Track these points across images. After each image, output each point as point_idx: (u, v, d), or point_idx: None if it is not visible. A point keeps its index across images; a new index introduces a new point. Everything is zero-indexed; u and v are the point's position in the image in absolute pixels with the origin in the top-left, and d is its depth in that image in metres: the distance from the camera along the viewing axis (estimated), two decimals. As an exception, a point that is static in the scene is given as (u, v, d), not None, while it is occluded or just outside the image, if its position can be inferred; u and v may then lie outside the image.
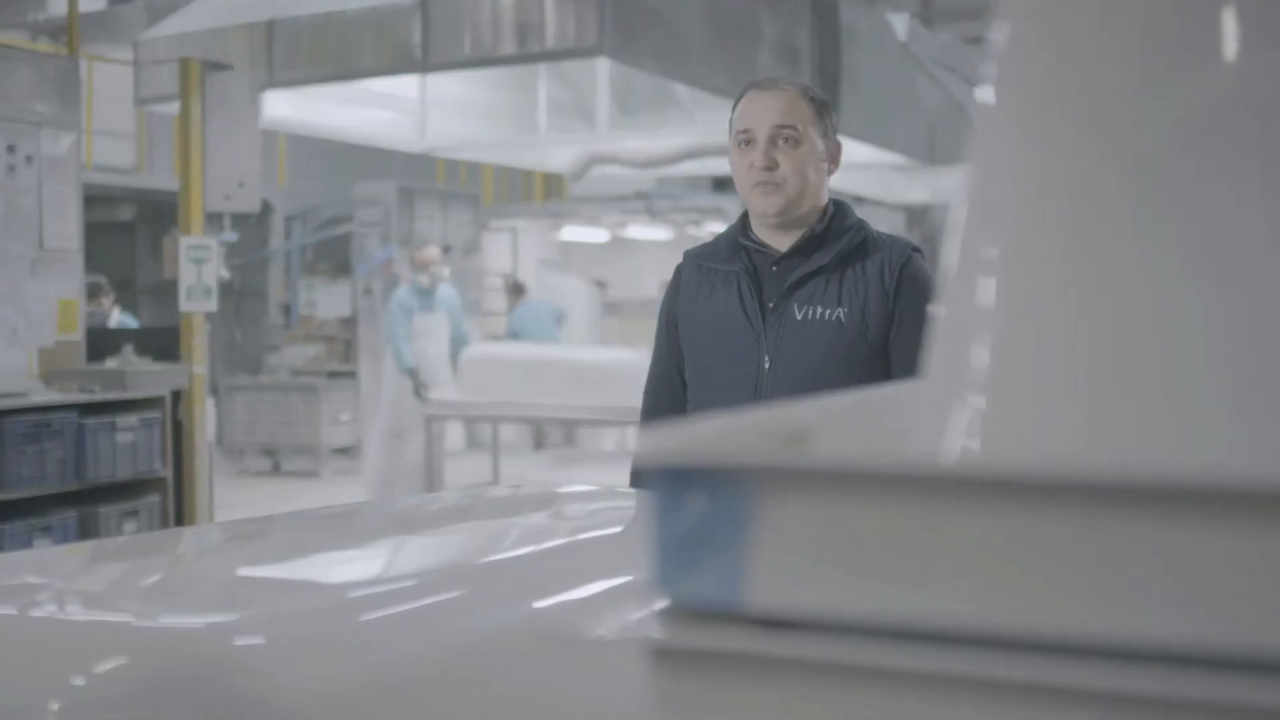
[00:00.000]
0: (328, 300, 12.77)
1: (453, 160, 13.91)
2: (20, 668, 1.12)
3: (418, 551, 1.58)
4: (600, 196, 14.40)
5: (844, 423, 0.74)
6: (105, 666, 1.12)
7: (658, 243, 16.15)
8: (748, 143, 2.49)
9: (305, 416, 11.38)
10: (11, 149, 6.09)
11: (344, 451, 11.86)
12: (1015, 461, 0.58)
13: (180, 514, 6.46)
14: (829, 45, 8.73)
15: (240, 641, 1.17)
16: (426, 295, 8.46)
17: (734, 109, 2.55)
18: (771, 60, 8.13)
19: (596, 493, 2.03)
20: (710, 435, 0.65)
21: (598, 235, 15.74)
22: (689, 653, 0.63)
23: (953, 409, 0.65)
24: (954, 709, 0.59)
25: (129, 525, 6.04)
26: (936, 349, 0.70)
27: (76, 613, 1.25)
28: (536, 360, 8.66)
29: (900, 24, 10.68)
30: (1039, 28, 0.72)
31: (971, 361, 0.66)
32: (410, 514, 1.77)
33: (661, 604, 0.64)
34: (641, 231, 15.65)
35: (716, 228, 14.64)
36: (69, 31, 6.85)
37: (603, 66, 8.71)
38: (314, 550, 1.57)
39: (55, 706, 1.09)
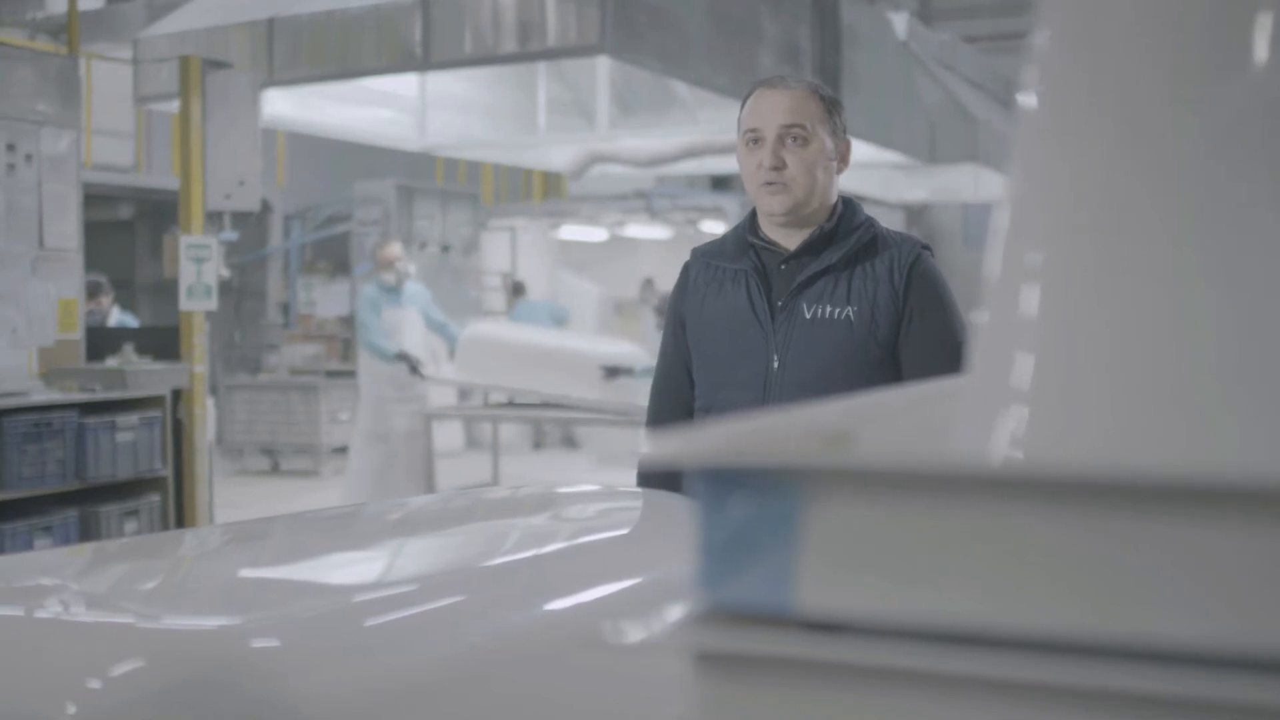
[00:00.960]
0: (327, 299, 12.76)
1: (451, 159, 13.91)
2: (36, 671, 1.11)
3: (434, 552, 1.56)
4: (599, 195, 14.39)
5: (886, 422, 0.73)
6: (121, 670, 1.11)
7: (657, 241, 16.15)
8: (756, 141, 2.47)
9: (304, 416, 11.37)
10: (11, 148, 6.07)
11: (343, 451, 11.84)
12: (1070, 463, 0.57)
13: (180, 514, 6.44)
14: (830, 44, 8.73)
15: (257, 644, 1.16)
16: (393, 292, 8.31)
17: (742, 107, 2.53)
18: (772, 59, 8.12)
19: (606, 492, 2.02)
20: (754, 436, 0.64)
21: (596, 234, 15.73)
22: (735, 658, 0.61)
23: (1000, 409, 0.64)
24: (1008, 715, 0.58)
25: (130, 525, 6.02)
26: (981, 348, 0.68)
27: (92, 615, 1.24)
28: (534, 343, 8.61)
29: (900, 23, 10.68)
30: (1081, 31, 0.71)
31: (1018, 361, 0.65)
32: (424, 514, 1.75)
33: (704, 607, 0.63)
34: (640, 230, 15.64)
35: (715, 227, 14.64)
36: (69, 30, 6.83)
37: (603, 65, 8.70)
38: (327, 551, 1.55)
39: (72, 710, 1.08)
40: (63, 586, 1.30)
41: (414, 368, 8.14)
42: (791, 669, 0.61)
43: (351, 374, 12.15)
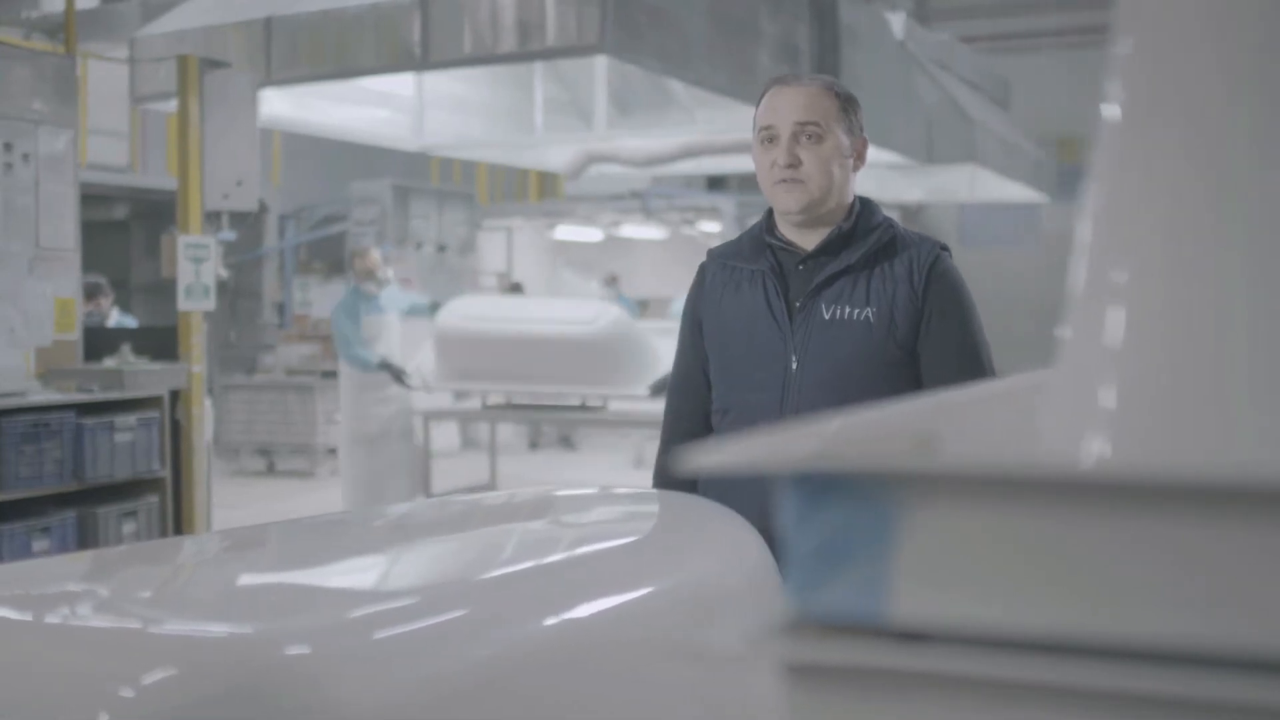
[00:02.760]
0: (322, 299, 12.72)
1: (447, 159, 13.88)
2: (66, 680, 1.09)
3: (461, 556, 1.54)
4: (595, 195, 14.37)
5: (972, 424, 0.71)
6: (154, 678, 1.09)
7: (652, 241, 16.13)
8: (770, 139, 2.45)
9: (300, 416, 11.34)
10: (9, 147, 6.03)
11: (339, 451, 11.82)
12: (1184, 466, 0.55)
13: (179, 515, 6.40)
14: (829, 44, 8.71)
15: (288, 652, 1.13)
16: (371, 299, 8.13)
17: (758, 105, 2.51)
18: (771, 59, 8.10)
19: (630, 494, 2.00)
20: (843, 439, 0.61)
21: (592, 234, 15.71)
22: (828, 669, 0.59)
23: (1101, 411, 0.62)
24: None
25: (128, 526, 5.99)
26: (1070, 347, 0.66)
27: (119, 623, 1.21)
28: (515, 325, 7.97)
29: (897, 23, 10.66)
30: (1164, 40, 0.69)
31: (1112, 361, 0.63)
32: (449, 517, 1.73)
33: (793, 616, 0.60)
34: (636, 230, 15.63)
35: (711, 227, 14.63)
36: (66, 29, 6.80)
37: (600, 65, 8.67)
38: (351, 555, 1.53)
39: (104, 719, 1.05)
40: (90, 593, 1.28)
41: (398, 377, 7.95)
42: (889, 680, 0.59)
43: (348, 374, 12.12)
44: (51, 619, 1.17)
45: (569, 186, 14.42)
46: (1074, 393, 0.64)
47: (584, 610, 1.34)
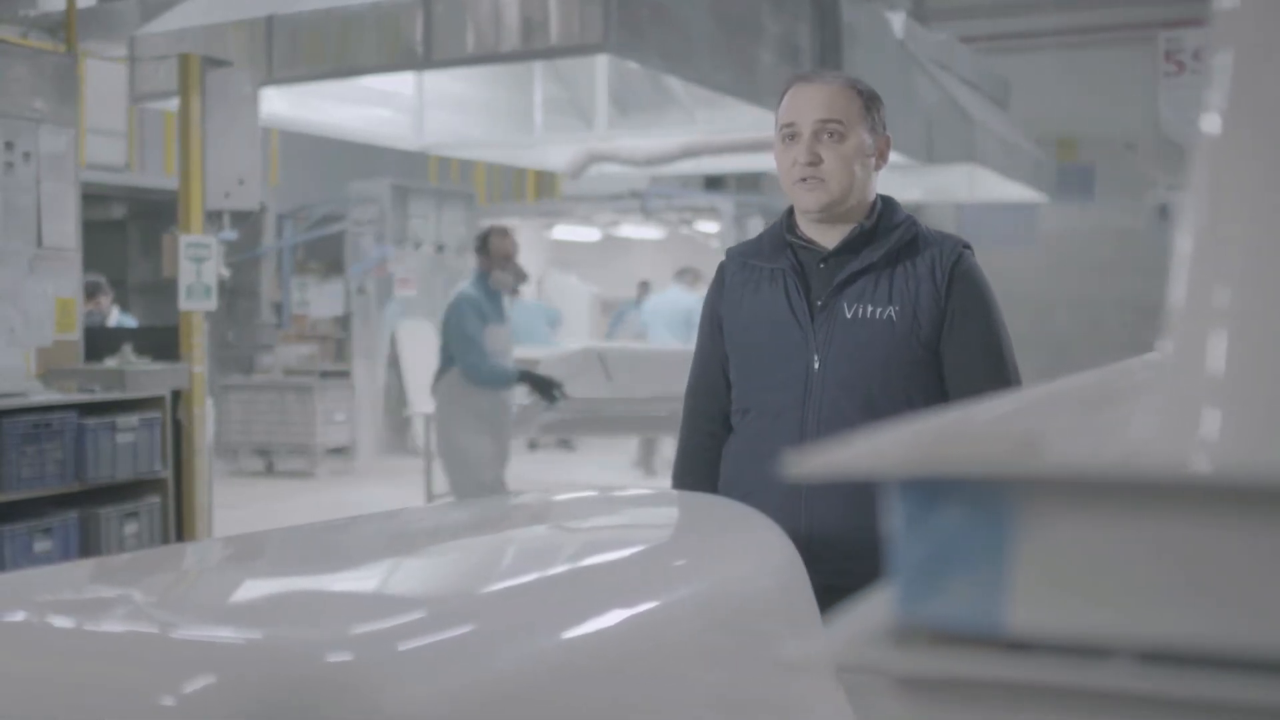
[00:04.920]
0: (320, 299, 12.69)
1: (444, 158, 13.84)
2: (111, 688, 1.06)
3: (502, 560, 1.51)
4: (593, 195, 14.34)
5: (1074, 426, 0.68)
6: (198, 685, 1.06)
7: (650, 241, 16.11)
8: (792, 137, 2.42)
9: (300, 416, 11.30)
10: (9, 145, 6.00)
11: (339, 452, 11.78)
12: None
13: (180, 516, 6.37)
14: (830, 43, 8.69)
15: (336, 659, 1.11)
16: (495, 300, 6.43)
17: (779, 102, 2.48)
18: (773, 58, 8.08)
19: (661, 496, 1.97)
20: (954, 441, 0.59)
21: (590, 234, 15.68)
22: (940, 682, 0.57)
23: (1211, 415, 0.59)
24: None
25: (129, 527, 5.95)
26: (1176, 346, 0.64)
27: (164, 630, 1.19)
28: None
29: (897, 22, 10.65)
30: (1268, 50, 0.66)
31: (1222, 363, 0.61)
32: (484, 518, 1.70)
33: (902, 625, 0.58)
34: (634, 230, 15.60)
35: (709, 227, 14.60)
36: (67, 27, 6.76)
37: (601, 64, 8.64)
38: (392, 557, 1.50)
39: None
40: (126, 598, 1.25)
41: (547, 390, 6.48)
42: (1001, 693, 0.57)
43: (346, 374, 12.07)
44: (94, 626, 1.15)
45: (567, 186, 14.39)
46: (1190, 394, 0.61)
47: (628, 615, 1.32)
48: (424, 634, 1.20)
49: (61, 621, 1.15)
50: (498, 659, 1.20)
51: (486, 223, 10.07)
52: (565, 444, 13.27)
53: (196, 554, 1.58)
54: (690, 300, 11.46)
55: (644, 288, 13.78)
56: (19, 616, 1.14)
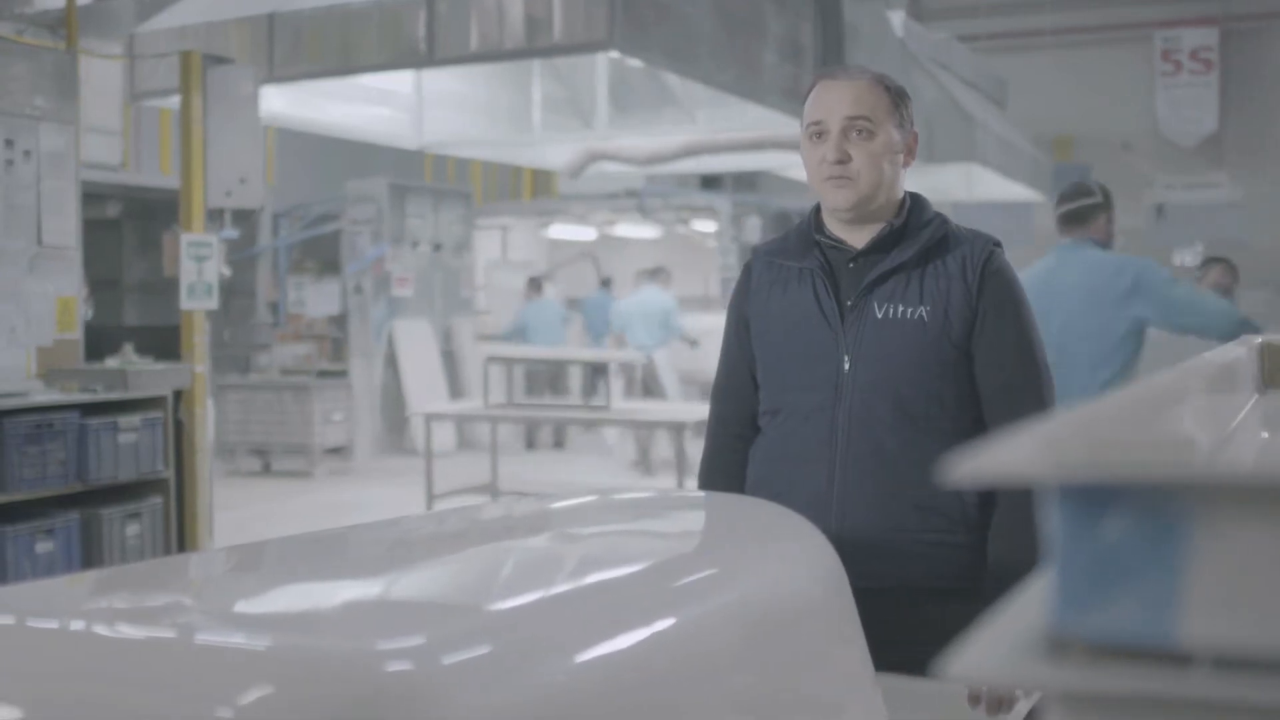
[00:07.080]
0: (317, 299, 12.64)
1: (440, 157, 13.80)
2: (168, 694, 1.03)
3: (549, 565, 1.48)
4: (590, 194, 14.32)
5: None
6: (253, 695, 1.03)
7: (646, 240, 16.08)
8: (819, 135, 2.37)
9: (297, 416, 11.26)
10: (10, 143, 5.95)
11: (336, 452, 11.73)
12: None
13: (182, 516, 6.33)
14: (832, 42, 8.67)
15: (396, 668, 1.08)
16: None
17: (805, 99, 2.44)
18: (776, 56, 8.06)
19: (700, 499, 1.94)
20: (1125, 444, 0.56)
21: (586, 233, 15.66)
22: (1108, 699, 0.54)
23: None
24: None
25: (132, 528, 5.91)
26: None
27: (219, 637, 1.15)
28: None
29: (897, 21, 10.64)
30: None
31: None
32: (522, 521, 1.67)
33: (1062, 638, 0.55)
34: (630, 229, 15.57)
35: (706, 226, 14.58)
36: (67, 25, 6.72)
37: (601, 63, 8.62)
38: (436, 562, 1.47)
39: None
40: (178, 604, 1.22)
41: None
42: (1168, 709, 0.54)
43: (343, 374, 12.02)
44: (152, 633, 1.12)
45: (564, 185, 14.36)
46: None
47: (683, 622, 1.29)
48: (480, 643, 1.17)
49: (112, 631, 1.12)
50: (552, 668, 1.18)
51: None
52: (560, 445, 13.26)
53: (234, 560, 1.54)
54: (665, 300, 11.46)
55: (606, 284, 13.77)
56: (71, 625, 1.11)
